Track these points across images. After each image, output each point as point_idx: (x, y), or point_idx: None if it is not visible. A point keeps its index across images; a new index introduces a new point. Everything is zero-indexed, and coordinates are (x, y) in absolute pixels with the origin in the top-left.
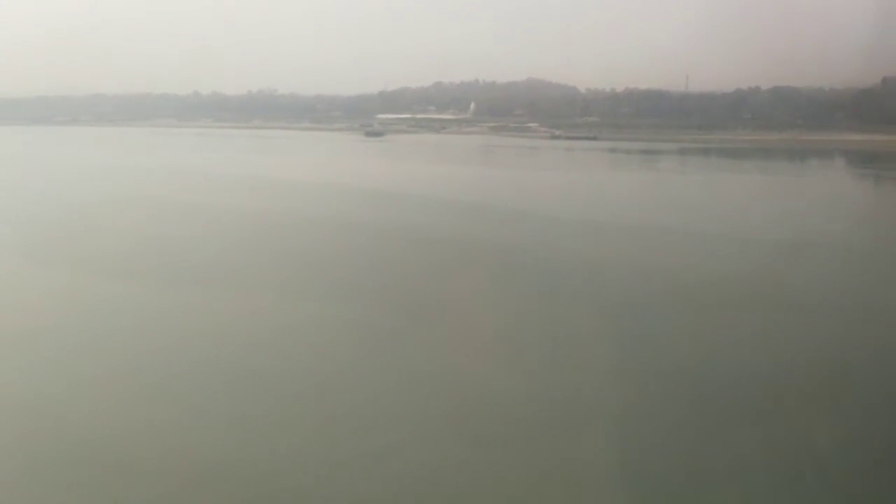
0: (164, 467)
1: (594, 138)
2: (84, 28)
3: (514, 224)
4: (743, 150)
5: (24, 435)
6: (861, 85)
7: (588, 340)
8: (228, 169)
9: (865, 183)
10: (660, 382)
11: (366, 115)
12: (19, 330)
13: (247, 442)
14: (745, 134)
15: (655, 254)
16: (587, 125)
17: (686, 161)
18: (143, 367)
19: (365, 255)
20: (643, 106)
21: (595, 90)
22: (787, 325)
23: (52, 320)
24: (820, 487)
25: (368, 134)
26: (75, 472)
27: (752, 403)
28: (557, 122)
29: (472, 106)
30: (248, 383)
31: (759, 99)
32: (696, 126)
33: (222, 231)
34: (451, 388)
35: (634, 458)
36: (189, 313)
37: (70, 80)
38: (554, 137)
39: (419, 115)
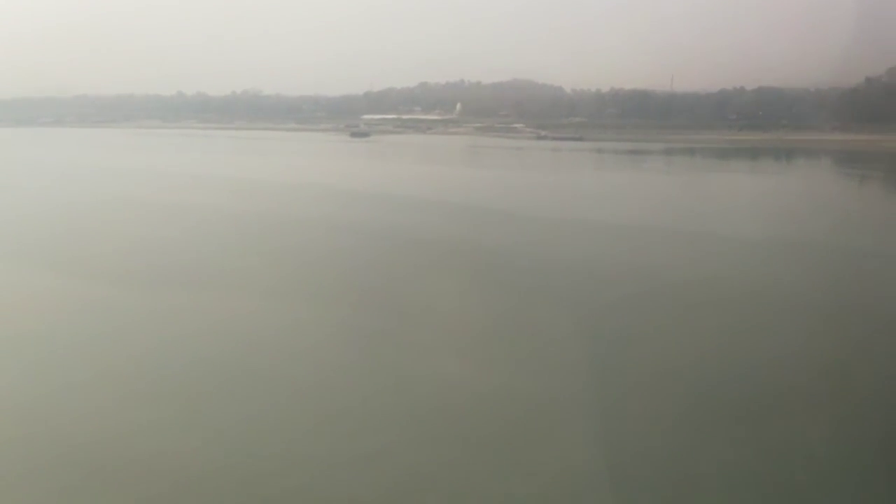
0: (153, 470)
1: (580, 138)
2: (68, 29)
3: (500, 225)
4: (728, 150)
5: (10, 440)
6: (845, 85)
7: (571, 340)
8: (213, 170)
9: (850, 182)
10: (644, 382)
11: (351, 115)
12: (2, 334)
13: (236, 445)
14: (731, 134)
15: (642, 254)
16: (573, 125)
17: (672, 161)
18: (128, 371)
19: (351, 257)
20: (628, 106)
21: (581, 90)
22: (770, 324)
23: (35, 324)
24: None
25: (354, 134)
26: (62, 477)
27: (735, 402)
28: (543, 123)
29: (458, 106)
30: (236, 386)
31: (744, 99)
32: (682, 126)
33: (208, 233)
34: (438, 389)
35: (624, 458)
36: (173, 316)
37: (54, 82)
38: (540, 138)
39: (405, 116)
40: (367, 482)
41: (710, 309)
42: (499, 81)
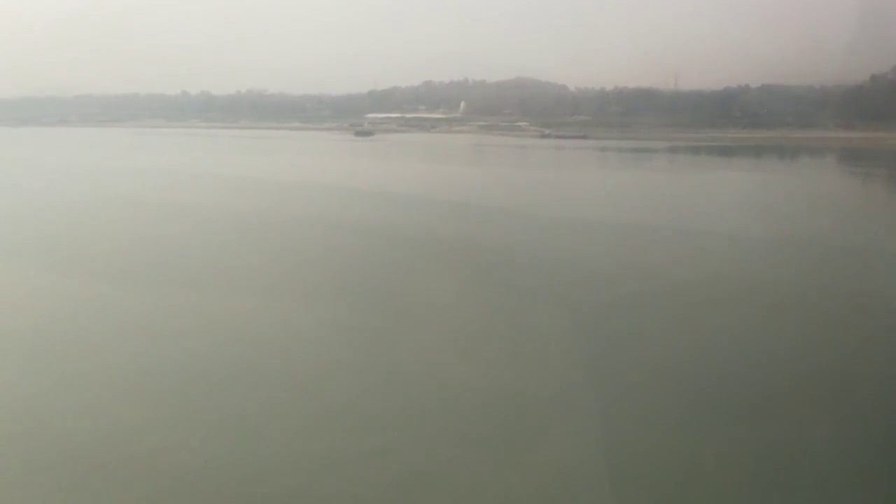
0: (152, 468)
1: (584, 137)
2: (72, 28)
3: (502, 223)
4: (733, 148)
5: (11, 438)
6: (850, 82)
7: (570, 338)
8: (216, 169)
9: (855, 180)
10: (643, 380)
11: (355, 114)
12: (3, 333)
13: (234, 442)
14: (735, 132)
15: (645, 252)
16: (577, 124)
17: (676, 159)
18: (127, 368)
19: (353, 255)
20: (633, 104)
21: (585, 89)
22: (770, 323)
23: (35, 322)
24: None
25: (358, 133)
26: (62, 474)
27: (735, 402)
28: (547, 121)
29: (462, 105)
30: (236, 383)
31: (749, 97)
32: (686, 124)
33: (209, 231)
34: (436, 387)
35: (620, 455)
36: (174, 314)
37: (58, 81)
38: (544, 136)
39: (409, 115)
40: (365, 480)
41: (713, 308)
42: (503, 80)
